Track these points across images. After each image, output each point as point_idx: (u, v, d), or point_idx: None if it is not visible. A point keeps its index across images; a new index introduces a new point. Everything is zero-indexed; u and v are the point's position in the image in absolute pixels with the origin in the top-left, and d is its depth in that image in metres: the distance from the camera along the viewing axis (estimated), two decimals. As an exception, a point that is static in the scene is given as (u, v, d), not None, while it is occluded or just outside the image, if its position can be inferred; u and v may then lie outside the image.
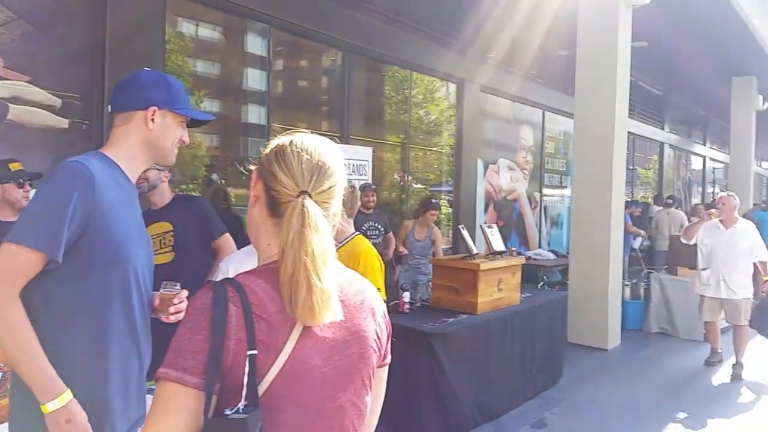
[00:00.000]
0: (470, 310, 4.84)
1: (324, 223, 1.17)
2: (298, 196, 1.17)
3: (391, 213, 7.29)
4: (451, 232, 8.50)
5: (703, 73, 12.14)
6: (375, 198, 6.28)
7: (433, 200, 6.68)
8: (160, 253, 3.26)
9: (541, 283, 8.05)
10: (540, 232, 10.84)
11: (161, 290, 1.91)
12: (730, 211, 6.20)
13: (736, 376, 6.00)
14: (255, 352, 1.06)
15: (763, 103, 13.43)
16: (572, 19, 7.06)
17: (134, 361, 1.80)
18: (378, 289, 1.39)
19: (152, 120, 1.80)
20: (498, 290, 5.14)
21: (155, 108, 1.80)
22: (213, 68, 6.08)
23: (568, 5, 7.36)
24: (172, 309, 1.88)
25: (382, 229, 6.29)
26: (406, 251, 6.48)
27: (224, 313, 1.07)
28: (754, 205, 13.47)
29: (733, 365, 6.09)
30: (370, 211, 6.24)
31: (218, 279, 1.26)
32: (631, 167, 16.68)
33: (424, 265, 6.39)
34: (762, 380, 6.05)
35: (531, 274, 7.74)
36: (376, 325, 1.28)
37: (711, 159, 21.73)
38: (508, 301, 5.26)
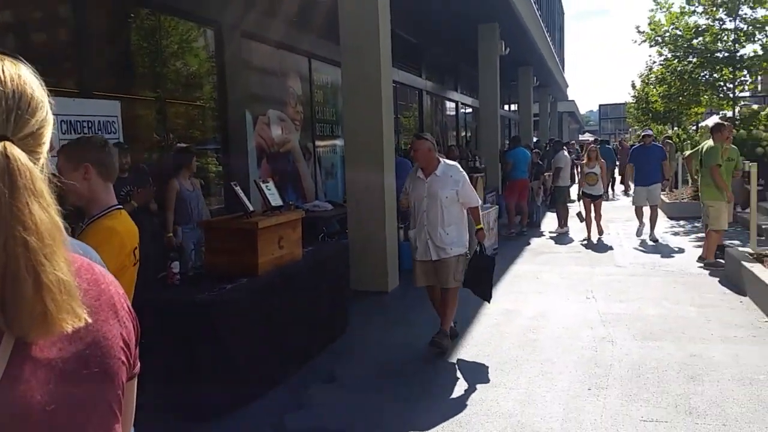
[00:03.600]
0: (251, 272, 4.52)
1: (42, 182, 0.79)
2: None
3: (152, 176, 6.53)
4: (223, 191, 7.99)
5: (453, 21, 12.86)
6: (129, 159, 5.56)
7: (190, 149, 6.24)
8: None
9: (321, 235, 7.97)
10: (316, 183, 10.76)
11: None
12: (425, 156, 5.10)
13: (439, 347, 5.02)
14: None
15: (504, 49, 14.71)
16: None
17: None
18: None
19: None
20: (279, 248, 4.88)
21: None
22: None
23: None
24: None
25: (149, 189, 5.60)
26: (172, 218, 5.88)
27: None
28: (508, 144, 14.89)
29: (434, 336, 5.06)
30: (126, 175, 5.51)
31: None
32: (395, 116, 17.40)
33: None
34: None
35: (311, 227, 7.61)
36: (121, 326, 0.91)
37: (462, 104, 23.59)
38: (291, 257, 5.04)
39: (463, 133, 24.37)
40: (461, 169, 5.32)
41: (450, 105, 22.42)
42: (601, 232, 10.69)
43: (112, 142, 5.60)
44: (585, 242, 10.34)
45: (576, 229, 11.25)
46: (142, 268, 2.46)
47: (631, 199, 11.23)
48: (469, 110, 25.04)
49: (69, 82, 5.87)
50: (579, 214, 10.91)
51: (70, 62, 5.94)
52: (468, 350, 5.25)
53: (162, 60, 7.21)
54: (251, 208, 4.77)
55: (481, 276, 5.35)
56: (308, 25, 9.35)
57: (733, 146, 8.47)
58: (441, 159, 5.32)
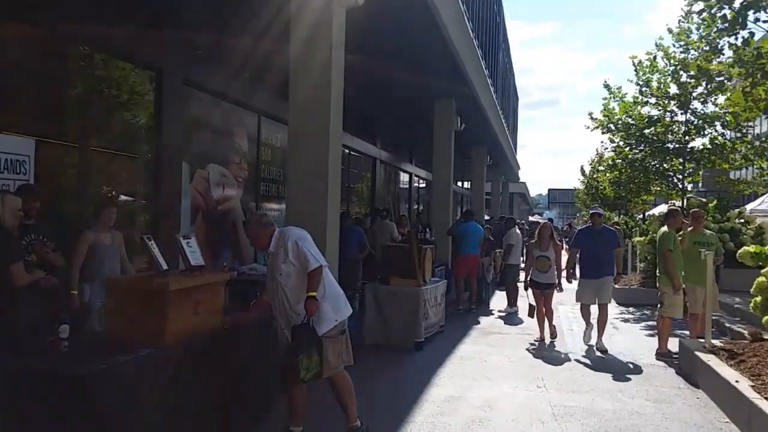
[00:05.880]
0: (156, 341, 3.85)
1: None
2: None
3: (68, 225, 5.81)
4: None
5: (409, 94, 12.74)
6: (38, 205, 4.87)
7: (109, 199, 5.57)
8: None
9: (253, 301, 7.28)
10: (256, 245, 10.10)
11: None
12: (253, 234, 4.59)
13: None
14: None
15: (460, 124, 14.67)
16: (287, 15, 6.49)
17: None
18: None
19: None
20: (194, 314, 4.24)
21: None
22: None
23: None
24: None
25: (47, 242, 4.90)
26: (77, 276, 5.18)
27: None
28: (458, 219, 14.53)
29: None
30: (32, 221, 4.82)
31: None
32: (347, 185, 17.11)
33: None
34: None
35: (244, 293, 6.94)
36: None
37: (416, 176, 23.52)
38: (208, 326, 4.39)
39: (416, 206, 24.20)
40: (292, 231, 4.42)
41: (404, 176, 22.31)
42: (554, 335, 8.65)
43: (19, 183, 5.02)
44: (536, 344, 8.41)
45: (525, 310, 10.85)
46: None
47: (575, 289, 8.57)
48: (423, 184, 25.01)
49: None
50: (531, 307, 8.71)
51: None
52: (405, 444, 4.62)
53: (92, 101, 6.63)
54: (165, 266, 4.16)
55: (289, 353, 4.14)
56: (261, 81, 8.94)
57: (710, 232, 8.29)
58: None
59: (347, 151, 15.83)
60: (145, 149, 7.42)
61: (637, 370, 7.07)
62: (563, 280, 8.63)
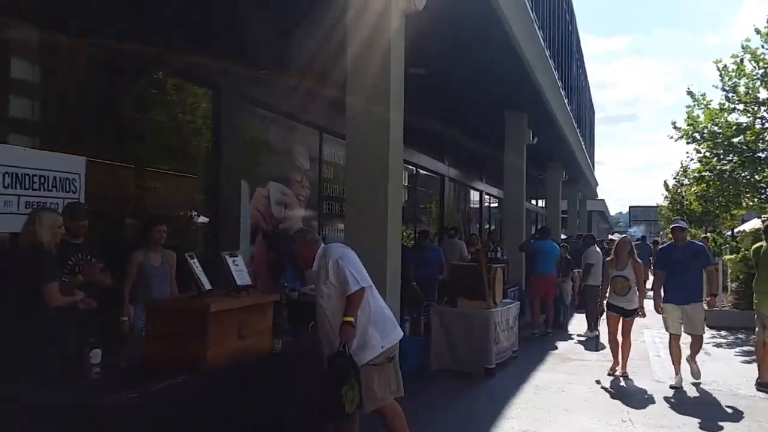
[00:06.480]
0: (195, 367, 3.55)
1: None
2: None
3: (120, 246, 5.66)
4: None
5: (478, 105, 12.28)
6: (86, 223, 4.70)
7: (158, 217, 5.38)
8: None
9: (312, 323, 6.98)
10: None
11: None
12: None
13: None
14: None
15: (533, 138, 14.06)
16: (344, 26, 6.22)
17: None
18: None
19: None
20: (239, 337, 3.93)
21: None
22: None
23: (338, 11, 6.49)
24: None
25: (95, 263, 4.73)
26: (127, 297, 5.01)
27: None
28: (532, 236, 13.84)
29: None
30: (80, 240, 4.67)
31: None
32: (422, 206, 16.80)
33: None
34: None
35: (304, 314, 6.64)
36: None
37: (487, 194, 22.88)
38: (256, 350, 4.07)
39: (487, 225, 23.51)
40: (333, 249, 4.05)
41: (474, 194, 21.74)
42: (625, 374, 7.37)
43: (68, 201, 4.90)
44: (611, 376, 7.34)
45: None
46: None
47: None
48: (495, 202, 24.31)
49: (25, 131, 5.18)
50: (596, 340, 7.89)
51: (30, 111, 5.26)
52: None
53: (148, 120, 6.55)
54: (208, 286, 3.87)
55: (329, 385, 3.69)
56: (321, 97, 8.73)
57: None
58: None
59: (414, 169, 15.49)
60: (203, 168, 7.30)
61: (736, 402, 6.25)
62: (650, 308, 7.48)
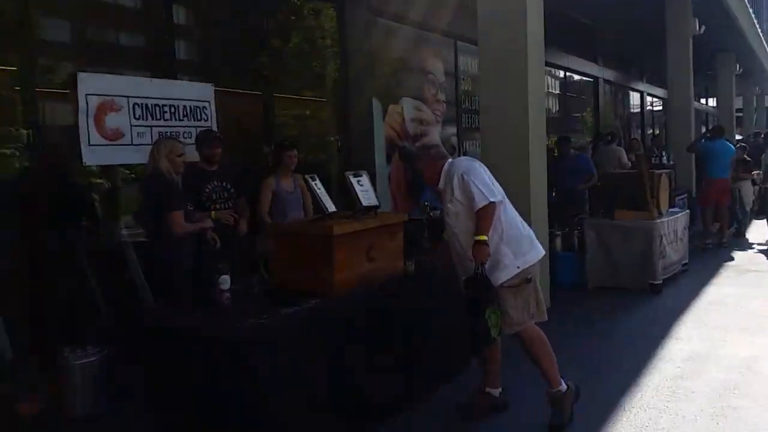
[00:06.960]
0: (324, 291, 3.43)
1: None
2: None
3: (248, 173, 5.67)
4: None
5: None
6: (220, 151, 4.70)
7: (288, 142, 5.28)
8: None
9: (434, 241, 6.74)
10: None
11: None
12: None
13: None
14: None
15: (699, 27, 12.28)
16: None
17: None
18: None
19: None
20: (368, 260, 3.74)
21: None
22: None
23: None
24: None
25: (231, 190, 4.77)
26: (269, 220, 4.99)
27: None
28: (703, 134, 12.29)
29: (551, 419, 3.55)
30: (215, 167, 4.70)
31: None
32: (576, 114, 15.66)
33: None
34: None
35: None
36: None
37: (649, 95, 20.82)
38: (387, 272, 3.87)
39: (650, 130, 21.48)
40: (459, 163, 3.63)
41: (634, 97, 19.86)
42: None
43: (200, 130, 4.93)
44: None
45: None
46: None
47: None
48: (658, 105, 22.07)
49: (155, 61, 5.22)
50: None
51: (158, 42, 5.28)
52: (632, 419, 3.66)
53: (274, 44, 6.41)
54: (330, 209, 3.69)
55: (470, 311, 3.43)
56: (455, 1, 8.06)
57: None
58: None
59: (561, 73, 14.31)
60: (331, 89, 7.10)
61: None
62: None
